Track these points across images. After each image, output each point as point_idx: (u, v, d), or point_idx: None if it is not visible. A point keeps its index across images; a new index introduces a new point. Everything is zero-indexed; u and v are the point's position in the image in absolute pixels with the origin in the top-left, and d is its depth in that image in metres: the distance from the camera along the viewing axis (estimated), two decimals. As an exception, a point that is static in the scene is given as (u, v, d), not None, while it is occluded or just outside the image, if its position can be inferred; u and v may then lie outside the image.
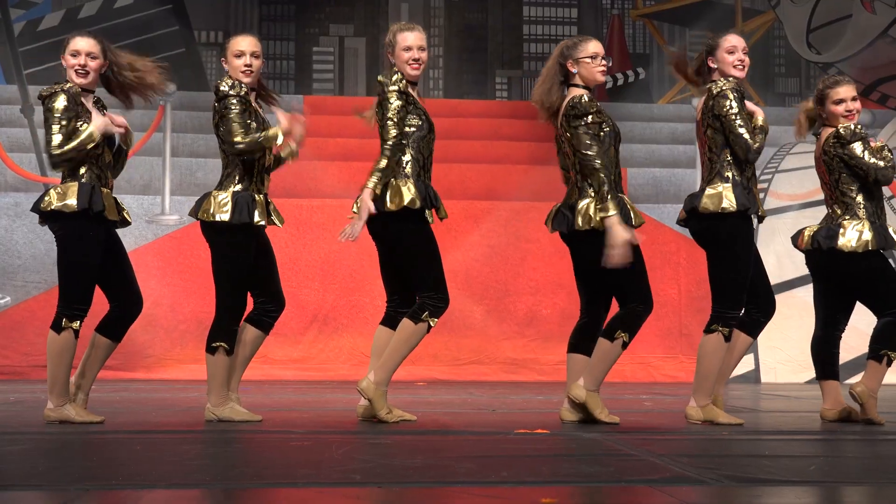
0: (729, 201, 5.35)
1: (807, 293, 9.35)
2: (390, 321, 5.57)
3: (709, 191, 5.41)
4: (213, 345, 5.37)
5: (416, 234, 5.40)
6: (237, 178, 5.38)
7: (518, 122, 11.53)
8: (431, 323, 5.37)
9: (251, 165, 5.39)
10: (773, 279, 9.62)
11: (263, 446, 4.58)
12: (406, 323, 5.40)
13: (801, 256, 5.93)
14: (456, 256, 9.59)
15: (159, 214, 9.86)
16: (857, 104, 5.82)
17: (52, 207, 5.12)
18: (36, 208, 5.20)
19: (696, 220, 5.49)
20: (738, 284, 5.42)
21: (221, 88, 5.36)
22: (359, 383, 5.43)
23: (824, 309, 5.89)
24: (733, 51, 5.53)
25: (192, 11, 9.94)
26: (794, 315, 7.94)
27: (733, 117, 5.36)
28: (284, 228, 6.32)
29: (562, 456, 4.29)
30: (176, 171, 10.23)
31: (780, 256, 9.13)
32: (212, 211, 5.33)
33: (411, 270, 5.46)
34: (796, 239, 5.90)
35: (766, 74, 10.18)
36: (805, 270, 5.95)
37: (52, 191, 5.16)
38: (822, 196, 5.87)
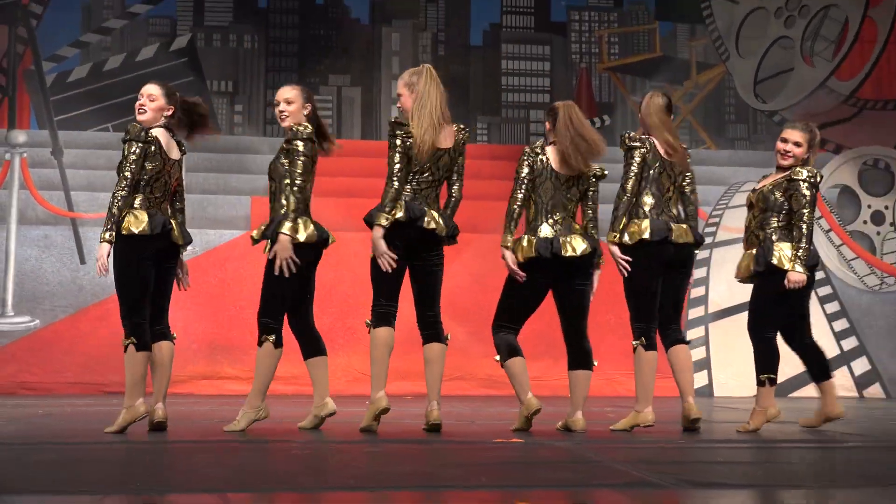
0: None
1: (755, 316, 9.39)
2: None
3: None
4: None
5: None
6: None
7: (497, 162, 11.54)
8: None
9: None
10: (725, 303, 9.71)
11: (268, 455, 4.56)
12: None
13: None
14: (443, 283, 9.57)
15: (174, 245, 9.83)
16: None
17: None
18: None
19: (691, 247, 5.68)
20: None
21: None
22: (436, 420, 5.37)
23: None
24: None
25: (206, 63, 9.97)
26: (744, 334, 7.89)
27: None
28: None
29: (535, 463, 4.28)
30: (188, 205, 10.19)
31: (730, 283, 9.12)
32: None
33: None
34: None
35: (719, 121, 10.24)
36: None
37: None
38: None
